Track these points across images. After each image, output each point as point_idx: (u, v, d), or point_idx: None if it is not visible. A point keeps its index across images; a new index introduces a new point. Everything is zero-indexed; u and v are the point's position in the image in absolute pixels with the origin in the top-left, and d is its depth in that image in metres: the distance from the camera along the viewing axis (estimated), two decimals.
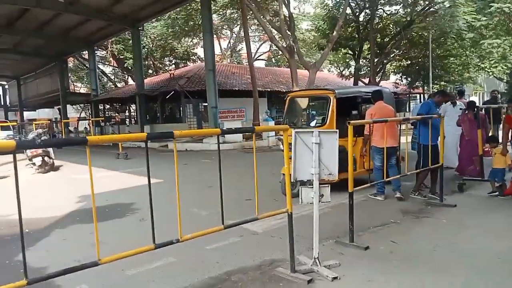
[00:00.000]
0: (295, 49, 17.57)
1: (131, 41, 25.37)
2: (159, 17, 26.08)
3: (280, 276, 3.52)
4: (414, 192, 6.38)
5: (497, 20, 19.00)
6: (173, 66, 35.50)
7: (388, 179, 5.75)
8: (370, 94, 6.56)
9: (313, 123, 7.37)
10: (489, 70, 27.83)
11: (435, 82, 26.51)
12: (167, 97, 21.46)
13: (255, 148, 3.54)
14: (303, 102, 8.27)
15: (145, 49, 30.18)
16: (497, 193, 6.13)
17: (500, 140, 6.48)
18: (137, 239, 4.42)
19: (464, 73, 28.28)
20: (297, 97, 7.83)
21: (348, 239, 4.26)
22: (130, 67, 31.93)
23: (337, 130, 3.59)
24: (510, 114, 6.37)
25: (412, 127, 7.85)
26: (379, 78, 26.05)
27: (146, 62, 32.20)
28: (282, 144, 6.87)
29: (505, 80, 32.62)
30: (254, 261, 3.91)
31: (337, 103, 6.38)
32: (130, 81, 34.64)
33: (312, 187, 3.49)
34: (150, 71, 34.42)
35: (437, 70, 26.17)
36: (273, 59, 41.19)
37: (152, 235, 2.71)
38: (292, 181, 3.40)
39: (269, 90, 23.17)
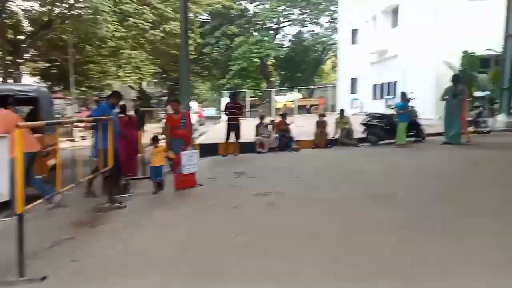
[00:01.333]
0: None
1: None
2: None
3: None
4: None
5: (134, 33, 20.99)
6: None
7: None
8: (26, 93, 5.51)
9: None
10: (124, 79, 30.48)
11: (76, 87, 26.19)
12: None
13: None
14: None
15: None
16: (160, 191, 6.61)
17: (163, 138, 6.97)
18: None
19: (104, 80, 29.58)
20: None
21: (17, 275, 3.35)
22: None
23: (6, 135, 2.67)
24: (170, 114, 6.83)
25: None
26: (13, 80, 22.77)
27: None
28: None
29: (137, 88, 37.00)
30: None
31: None
32: None
33: None
34: None
35: (78, 76, 25.91)
36: None
37: None
38: None
39: None
